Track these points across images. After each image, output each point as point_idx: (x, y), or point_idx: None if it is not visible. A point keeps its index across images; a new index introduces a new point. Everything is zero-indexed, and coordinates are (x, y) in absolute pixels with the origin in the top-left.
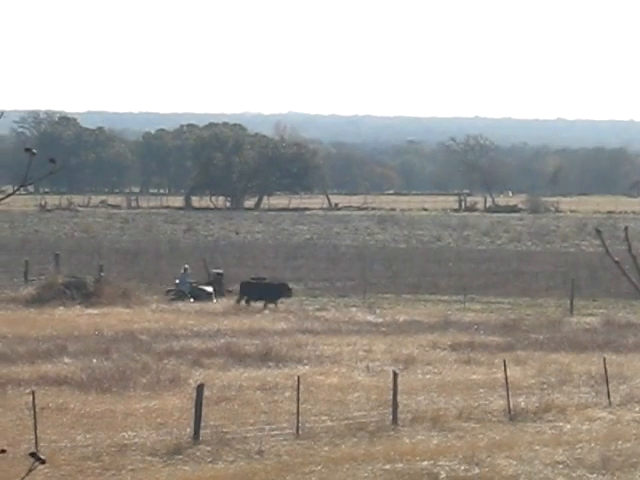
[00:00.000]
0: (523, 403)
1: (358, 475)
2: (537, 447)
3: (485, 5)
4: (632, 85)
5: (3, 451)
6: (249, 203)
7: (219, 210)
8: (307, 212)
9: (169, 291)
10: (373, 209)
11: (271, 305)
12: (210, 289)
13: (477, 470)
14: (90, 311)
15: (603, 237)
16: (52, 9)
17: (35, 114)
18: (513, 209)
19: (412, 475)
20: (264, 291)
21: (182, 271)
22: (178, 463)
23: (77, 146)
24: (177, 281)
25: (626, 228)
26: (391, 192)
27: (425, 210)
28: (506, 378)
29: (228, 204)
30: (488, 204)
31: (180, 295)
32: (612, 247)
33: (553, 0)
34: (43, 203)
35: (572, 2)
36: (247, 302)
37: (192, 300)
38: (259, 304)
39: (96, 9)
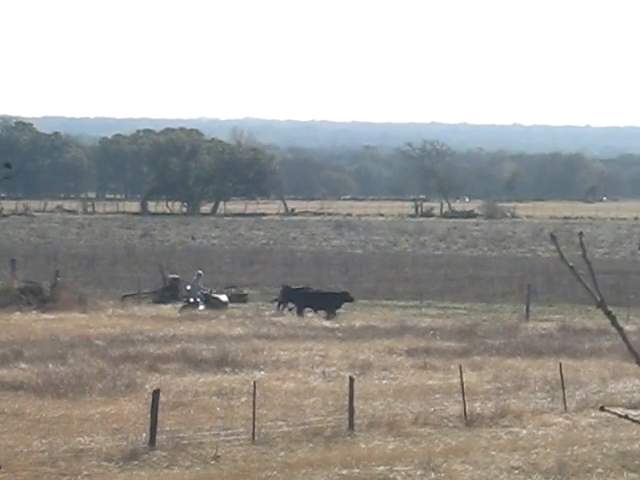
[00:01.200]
0: (479, 408)
1: None
2: (493, 452)
3: (439, 12)
4: (588, 91)
5: None
6: (205, 208)
7: (175, 215)
8: (264, 217)
9: (184, 303)
10: (330, 214)
11: (330, 315)
12: (225, 298)
13: (433, 475)
14: (46, 316)
15: (558, 242)
16: (3, 13)
17: None
18: (469, 214)
19: None
20: (321, 300)
21: (194, 277)
22: (134, 468)
23: (33, 151)
24: (188, 287)
25: (580, 233)
26: (348, 197)
27: (381, 215)
28: (462, 383)
29: (184, 209)
30: (444, 209)
31: (193, 304)
32: (568, 252)
33: (506, 6)
34: None
35: (526, 8)
36: (299, 312)
37: (202, 308)
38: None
39: (48, 14)
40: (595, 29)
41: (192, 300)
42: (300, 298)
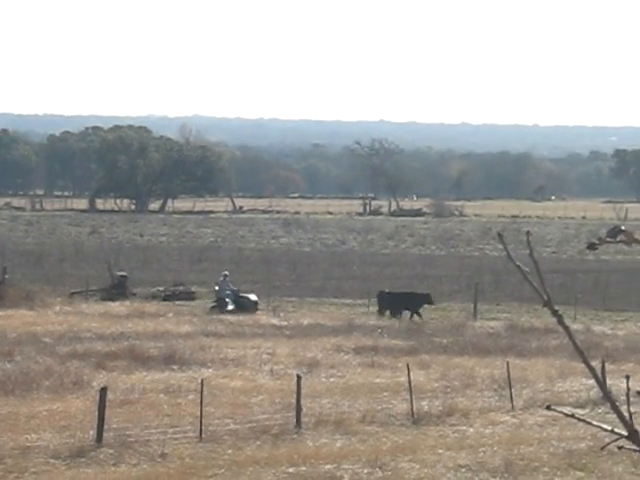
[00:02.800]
0: (426, 407)
1: (262, 478)
2: (440, 451)
3: (389, 10)
4: (536, 90)
5: None
6: (154, 206)
7: (124, 213)
8: (212, 215)
9: (213, 305)
10: (278, 212)
11: (416, 316)
12: (255, 297)
13: (380, 473)
14: None
15: (506, 241)
16: None
17: None
18: (418, 213)
19: (315, 478)
20: (406, 302)
21: (221, 278)
22: (81, 466)
23: None
24: (216, 288)
25: (528, 232)
26: (296, 195)
27: (330, 214)
28: (409, 382)
29: (133, 207)
30: (393, 208)
31: (222, 304)
32: (516, 251)
33: (457, 5)
34: None
35: (476, 8)
36: (393, 315)
37: (230, 308)
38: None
39: None
40: (542, 29)
41: (221, 301)
42: (388, 300)
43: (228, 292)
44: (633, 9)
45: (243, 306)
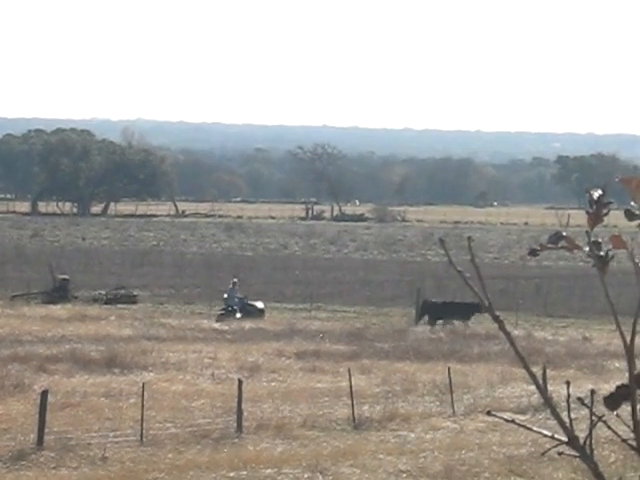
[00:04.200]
0: (367, 412)
1: None
2: (381, 456)
3: (332, 15)
4: (479, 96)
5: None
6: (96, 209)
7: (66, 216)
8: (154, 219)
9: (221, 312)
10: (220, 216)
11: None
12: (261, 305)
13: (321, 478)
14: None
15: (448, 247)
16: None
17: None
18: (360, 218)
19: None
20: (455, 311)
21: (230, 285)
22: (21, 469)
23: None
24: (225, 296)
25: (469, 238)
26: (238, 200)
27: (272, 218)
28: (351, 387)
29: (75, 210)
30: (335, 213)
31: (230, 312)
32: (457, 257)
33: (394, 11)
34: None
35: (415, 15)
36: (442, 322)
37: (239, 316)
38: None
39: None
40: (484, 36)
41: (230, 308)
42: (438, 310)
43: (236, 300)
44: (572, 16)
45: (250, 314)
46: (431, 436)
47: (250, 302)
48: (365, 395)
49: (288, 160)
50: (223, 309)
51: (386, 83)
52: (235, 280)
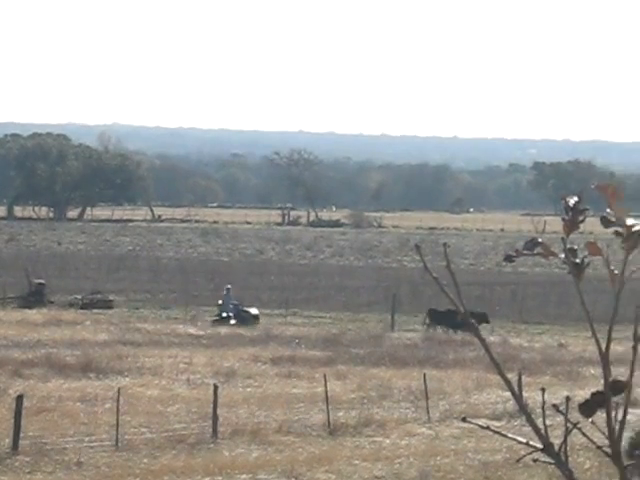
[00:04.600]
0: (343, 417)
1: None
2: (356, 462)
3: (306, 21)
4: (456, 102)
5: None
6: (72, 214)
7: (42, 220)
8: (130, 224)
9: (216, 319)
10: (196, 222)
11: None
12: (256, 311)
13: None
14: None
15: (424, 253)
16: None
17: None
18: (336, 224)
19: None
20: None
21: (224, 292)
22: None
23: None
24: (220, 302)
25: (445, 244)
26: (215, 205)
27: (248, 223)
28: (326, 392)
29: (51, 214)
30: (311, 218)
31: (224, 318)
32: (433, 263)
33: (370, 19)
34: None
35: (391, 20)
36: (430, 327)
37: (233, 322)
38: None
39: None
40: (459, 43)
41: (224, 315)
42: (443, 318)
43: (231, 306)
44: (548, 25)
45: (244, 320)
46: (406, 442)
47: (245, 308)
48: (341, 401)
49: (264, 165)
50: (218, 315)
51: (362, 89)
52: (229, 286)
